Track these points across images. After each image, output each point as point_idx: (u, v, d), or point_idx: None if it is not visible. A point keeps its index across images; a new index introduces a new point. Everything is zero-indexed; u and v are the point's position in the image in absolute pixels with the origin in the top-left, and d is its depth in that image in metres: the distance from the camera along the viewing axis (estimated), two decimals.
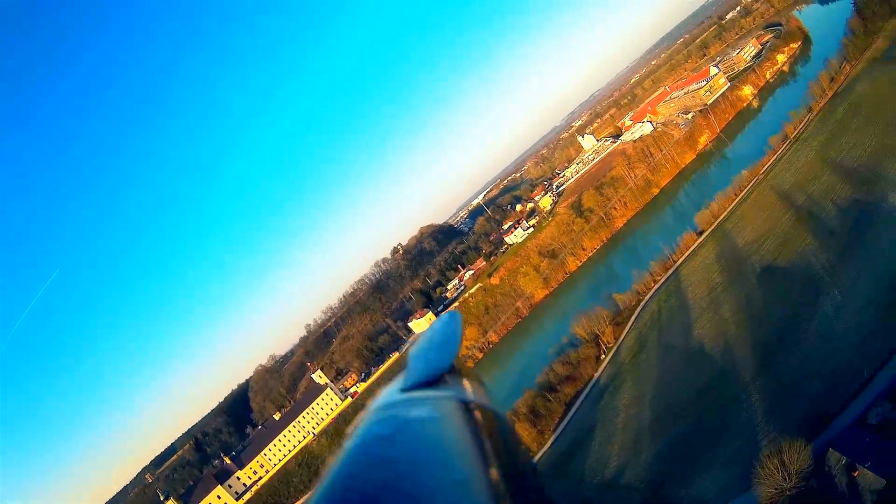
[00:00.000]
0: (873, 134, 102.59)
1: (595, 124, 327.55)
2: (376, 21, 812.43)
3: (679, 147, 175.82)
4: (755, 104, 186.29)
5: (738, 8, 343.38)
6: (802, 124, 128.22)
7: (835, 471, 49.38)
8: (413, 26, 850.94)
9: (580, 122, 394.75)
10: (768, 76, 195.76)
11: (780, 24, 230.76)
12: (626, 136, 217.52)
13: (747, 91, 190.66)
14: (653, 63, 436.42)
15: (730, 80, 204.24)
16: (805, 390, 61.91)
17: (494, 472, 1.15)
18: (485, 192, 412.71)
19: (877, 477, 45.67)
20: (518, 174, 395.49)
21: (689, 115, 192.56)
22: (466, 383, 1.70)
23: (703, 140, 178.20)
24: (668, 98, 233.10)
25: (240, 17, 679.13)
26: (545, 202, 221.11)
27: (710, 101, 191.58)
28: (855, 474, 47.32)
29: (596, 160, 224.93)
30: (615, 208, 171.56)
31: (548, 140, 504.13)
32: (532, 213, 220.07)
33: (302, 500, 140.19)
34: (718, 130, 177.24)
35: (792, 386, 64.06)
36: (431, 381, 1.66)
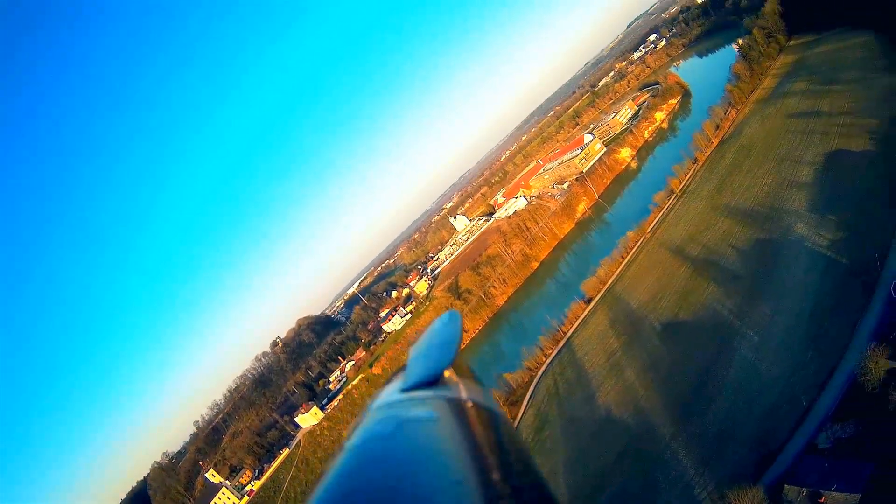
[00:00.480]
0: (767, 172, 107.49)
1: (467, 204, 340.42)
2: None
3: (556, 218, 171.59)
4: (634, 165, 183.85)
5: (612, 73, 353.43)
6: (688, 176, 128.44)
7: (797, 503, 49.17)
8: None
9: (451, 203, 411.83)
10: (646, 135, 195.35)
11: (658, 83, 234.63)
12: (500, 213, 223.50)
13: (625, 153, 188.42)
14: (523, 138, 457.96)
15: (606, 144, 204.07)
16: (738, 434, 60.57)
17: (495, 473, 1.15)
18: (359, 281, 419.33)
19: (848, 495, 46.09)
20: (392, 260, 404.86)
21: (565, 185, 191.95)
22: (466, 383, 1.70)
23: (582, 208, 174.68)
24: (541, 171, 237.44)
25: None
26: (421, 287, 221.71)
27: (586, 169, 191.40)
28: (822, 500, 47.59)
29: (470, 240, 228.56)
30: (494, 286, 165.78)
31: (420, 224, 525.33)
32: (409, 298, 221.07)
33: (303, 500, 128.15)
34: (597, 196, 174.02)
35: (722, 434, 62.47)
36: (431, 381, 1.66)
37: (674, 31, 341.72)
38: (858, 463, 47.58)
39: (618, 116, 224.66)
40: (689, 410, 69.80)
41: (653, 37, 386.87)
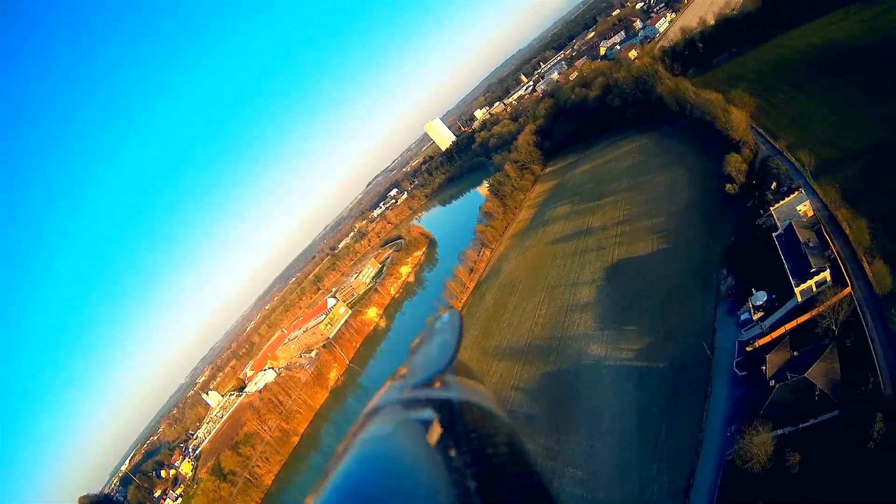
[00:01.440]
0: (539, 303, 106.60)
1: (218, 378, 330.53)
2: None
3: (309, 389, 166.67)
4: (383, 324, 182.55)
5: (353, 233, 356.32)
6: None
7: None
8: None
9: (203, 377, 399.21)
10: (393, 292, 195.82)
11: (401, 237, 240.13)
12: (251, 388, 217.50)
13: (372, 313, 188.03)
14: (266, 308, 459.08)
15: (351, 306, 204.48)
16: None
17: (495, 474, 1.16)
18: (129, 457, 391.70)
19: None
20: (156, 436, 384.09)
21: (313, 353, 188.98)
22: (467, 383, 1.72)
23: (334, 376, 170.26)
24: (286, 340, 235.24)
25: None
26: (186, 468, 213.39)
27: (333, 334, 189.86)
28: None
29: (225, 417, 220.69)
30: (258, 465, 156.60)
31: (178, 398, 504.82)
32: (176, 480, 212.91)
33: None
34: (348, 361, 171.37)
35: None
36: (431, 381, 1.68)
37: (416, 182, 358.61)
38: None
39: (360, 277, 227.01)
40: None
41: (393, 192, 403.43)
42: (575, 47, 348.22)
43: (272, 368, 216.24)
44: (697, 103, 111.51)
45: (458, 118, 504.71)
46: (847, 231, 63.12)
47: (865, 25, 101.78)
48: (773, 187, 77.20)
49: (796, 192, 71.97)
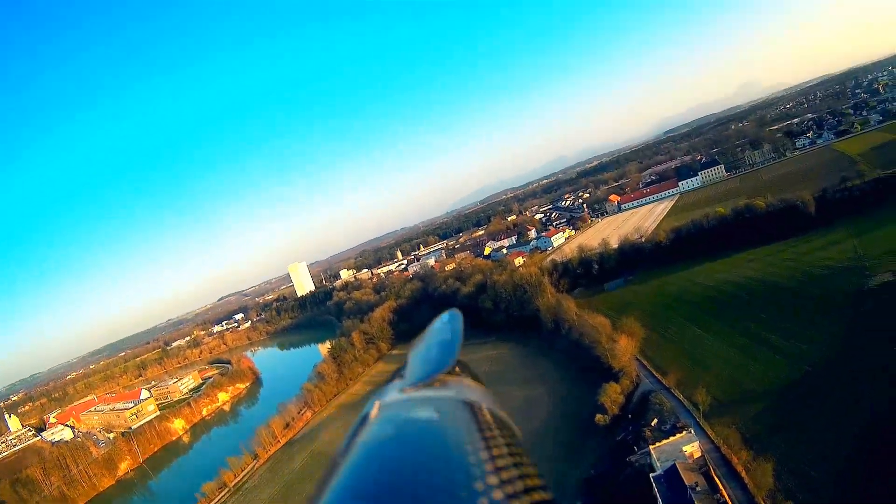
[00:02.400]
0: None
1: (27, 406, 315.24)
2: None
3: (97, 467, 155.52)
4: (186, 439, 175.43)
5: (189, 338, 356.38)
6: (245, 472, 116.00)
7: None
8: None
9: (15, 397, 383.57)
10: (205, 413, 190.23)
11: (230, 363, 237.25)
12: (48, 434, 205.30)
13: (179, 424, 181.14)
14: (91, 366, 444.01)
15: (161, 408, 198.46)
16: None
17: (498, 474, 1.17)
18: None
19: None
20: None
21: (111, 435, 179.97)
22: (468, 383, 1.74)
23: (125, 467, 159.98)
24: (94, 408, 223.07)
25: None
26: None
27: (136, 426, 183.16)
28: None
29: (18, 447, 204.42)
30: None
31: None
32: None
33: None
34: (142, 460, 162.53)
35: None
36: (432, 381, 1.69)
37: (262, 316, 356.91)
38: None
39: (180, 383, 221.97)
40: None
41: (240, 315, 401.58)
42: (461, 240, 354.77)
43: (72, 427, 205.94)
44: (578, 325, 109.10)
45: (325, 271, 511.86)
46: (744, 475, 59.89)
47: (782, 265, 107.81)
48: (653, 424, 73.45)
49: (683, 433, 67.18)
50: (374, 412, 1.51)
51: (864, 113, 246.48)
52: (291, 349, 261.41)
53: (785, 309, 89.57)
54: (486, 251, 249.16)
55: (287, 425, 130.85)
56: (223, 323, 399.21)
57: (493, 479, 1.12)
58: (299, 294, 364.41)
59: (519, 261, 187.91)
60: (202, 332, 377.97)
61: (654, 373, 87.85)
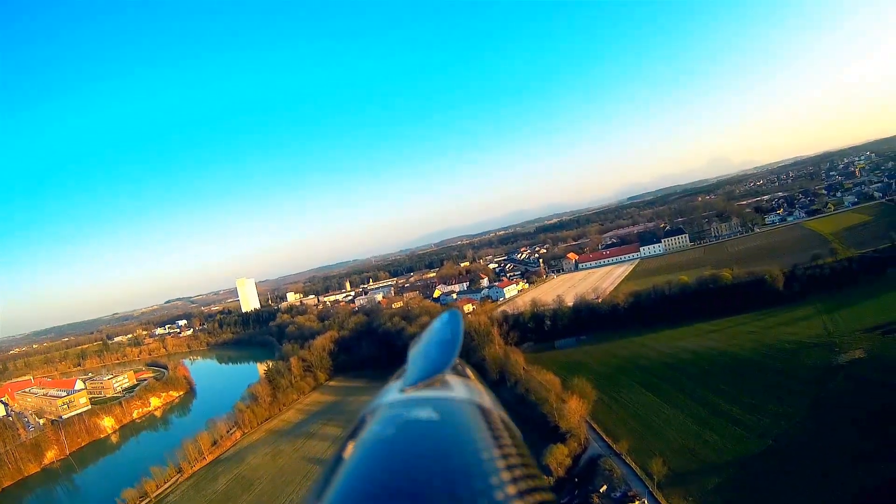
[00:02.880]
0: None
1: None
2: None
3: (24, 451, 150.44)
4: (115, 439, 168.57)
5: (131, 336, 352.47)
6: (168, 485, 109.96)
7: None
8: None
9: None
10: (136, 415, 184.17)
11: (166, 367, 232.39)
12: None
13: (108, 422, 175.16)
14: (34, 346, 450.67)
15: (93, 402, 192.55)
16: None
17: (500, 474, 1.16)
18: None
19: None
20: None
21: (42, 421, 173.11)
22: (468, 383, 1.73)
23: (51, 456, 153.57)
24: (29, 389, 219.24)
25: None
26: None
27: (66, 416, 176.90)
28: None
29: None
30: None
31: None
32: None
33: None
34: (68, 452, 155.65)
35: None
36: (432, 381, 1.69)
37: (205, 326, 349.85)
38: None
39: (115, 381, 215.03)
40: None
41: (183, 322, 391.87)
42: (411, 279, 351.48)
43: (6, 405, 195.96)
44: (525, 380, 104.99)
45: (272, 290, 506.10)
46: None
47: (746, 337, 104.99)
48: (602, 490, 71.42)
49: (636, 502, 65.70)
50: (371, 413, 1.50)
51: (839, 194, 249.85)
52: (230, 364, 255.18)
53: (747, 381, 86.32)
54: (436, 294, 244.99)
55: (215, 443, 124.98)
56: (166, 326, 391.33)
57: (494, 480, 1.12)
58: (244, 310, 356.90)
59: (468, 308, 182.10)
60: (144, 332, 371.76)
61: (605, 437, 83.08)
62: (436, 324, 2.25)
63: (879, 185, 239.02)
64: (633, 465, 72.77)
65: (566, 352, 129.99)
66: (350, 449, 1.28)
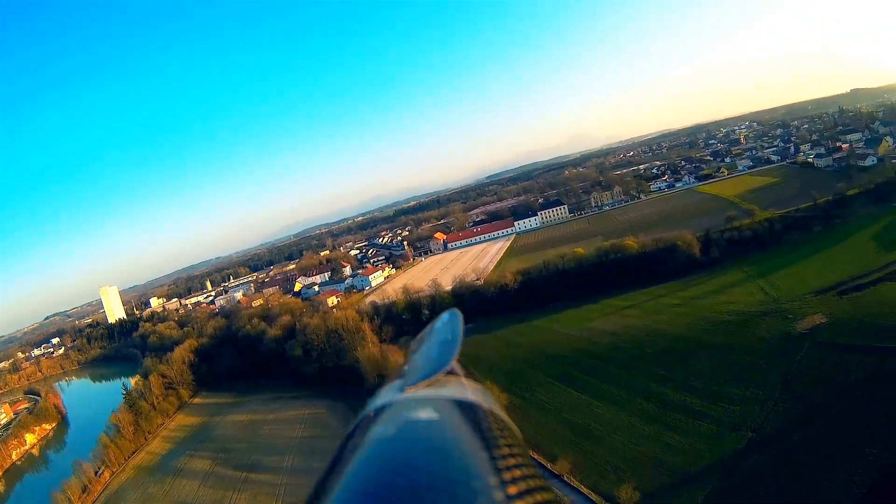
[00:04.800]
0: None
1: None
2: None
3: None
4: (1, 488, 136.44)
5: (12, 360, 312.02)
6: None
7: None
8: None
9: None
10: (14, 457, 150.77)
11: (39, 395, 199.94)
12: None
13: None
14: None
15: None
16: None
17: (499, 474, 1.15)
18: None
19: None
20: None
21: None
22: (468, 383, 1.72)
23: None
24: None
25: None
26: None
27: None
28: None
29: None
30: None
31: None
32: None
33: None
34: None
35: None
36: (432, 381, 1.67)
37: (76, 342, 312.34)
38: None
39: None
40: None
41: (56, 339, 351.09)
42: (271, 273, 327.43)
43: None
44: None
45: (141, 296, 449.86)
46: None
47: (671, 312, 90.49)
48: None
49: None
50: (371, 413, 1.49)
51: (728, 160, 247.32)
52: (103, 382, 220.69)
53: (693, 364, 71.38)
54: (297, 287, 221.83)
55: (85, 489, 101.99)
56: (42, 346, 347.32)
57: (494, 480, 1.11)
58: (111, 321, 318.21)
59: (332, 300, 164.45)
60: (22, 356, 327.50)
61: (535, 455, 60.10)
62: (436, 324, 2.20)
63: (775, 149, 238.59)
64: (584, 489, 54.46)
65: None
66: (350, 449, 1.27)
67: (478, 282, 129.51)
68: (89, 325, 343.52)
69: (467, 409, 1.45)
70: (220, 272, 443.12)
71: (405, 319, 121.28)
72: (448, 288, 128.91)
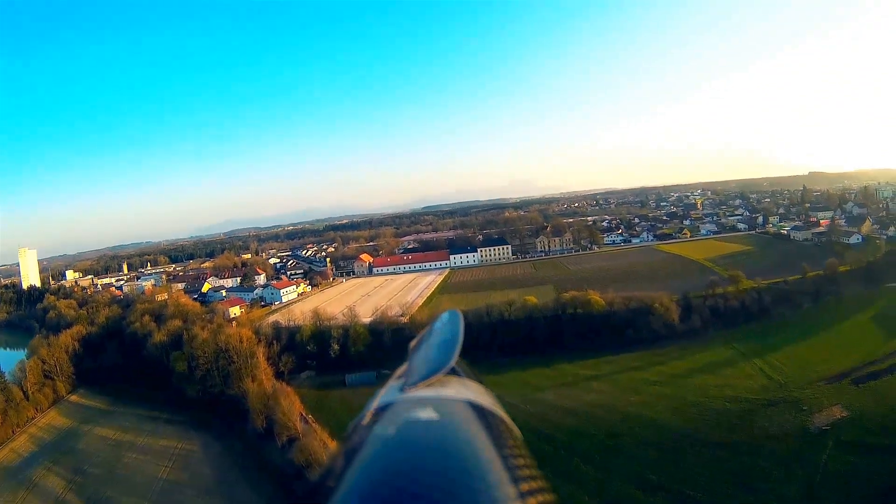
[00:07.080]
0: None
1: None
2: None
3: None
4: None
5: None
6: None
7: None
8: None
9: None
10: None
11: None
12: None
13: None
14: None
15: None
16: None
17: (500, 474, 1.13)
18: None
19: None
20: None
21: None
22: (468, 384, 1.70)
23: None
24: None
25: None
26: None
27: None
28: None
29: None
30: None
31: None
32: None
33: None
34: None
35: None
36: (432, 381, 1.65)
37: None
38: None
39: None
40: None
41: None
42: (187, 268, 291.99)
43: None
44: (306, 445, 63.81)
45: (64, 267, 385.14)
46: None
47: (653, 389, 73.41)
48: None
49: None
50: (368, 415, 1.47)
51: (686, 222, 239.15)
52: (9, 350, 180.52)
53: (688, 466, 53.65)
54: (205, 288, 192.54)
55: None
56: None
57: (494, 480, 1.09)
58: (24, 286, 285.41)
59: (235, 311, 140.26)
60: None
61: None
62: (436, 323, 2.15)
63: (740, 217, 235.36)
64: None
65: (363, 391, 79.13)
66: (356, 450, 1.24)
67: (402, 318, 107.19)
68: (4, 287, 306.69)
69: (467, 409, 1.43)
70: (142, 257, 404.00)
71: (310, 351, 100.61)
72: (366, 320, 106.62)
